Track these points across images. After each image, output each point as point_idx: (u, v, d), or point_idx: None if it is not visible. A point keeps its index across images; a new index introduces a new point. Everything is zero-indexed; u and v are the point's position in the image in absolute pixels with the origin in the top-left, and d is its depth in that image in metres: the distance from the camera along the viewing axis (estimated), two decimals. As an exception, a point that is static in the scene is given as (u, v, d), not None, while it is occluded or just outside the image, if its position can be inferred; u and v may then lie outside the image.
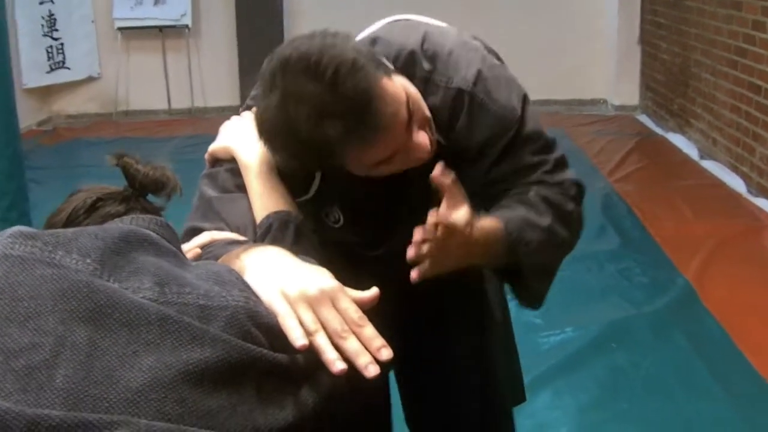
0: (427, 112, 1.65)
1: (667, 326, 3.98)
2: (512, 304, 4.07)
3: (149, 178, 1.41)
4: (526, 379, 3.41)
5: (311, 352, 1.19)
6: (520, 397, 2.34)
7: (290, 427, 1.12)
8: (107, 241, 1.13)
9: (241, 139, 1.75)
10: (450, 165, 1.63)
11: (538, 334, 3.94)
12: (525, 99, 1.79)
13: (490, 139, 1.75)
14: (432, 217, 1.51)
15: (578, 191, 1.85)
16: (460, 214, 1.55)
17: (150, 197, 1.43)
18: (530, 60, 8.31)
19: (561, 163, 1.85)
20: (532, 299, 1.93)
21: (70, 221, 1.35)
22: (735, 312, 4.09)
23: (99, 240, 1.13)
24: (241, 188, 1.71)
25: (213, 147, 1.80)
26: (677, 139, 7.33)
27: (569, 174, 1.85)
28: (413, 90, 1.62)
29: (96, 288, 1.05)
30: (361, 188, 1.77)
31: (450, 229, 1.53)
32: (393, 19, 1.84)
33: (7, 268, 1.05)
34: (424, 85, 1.71)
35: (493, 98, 1.74)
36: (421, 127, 1.61)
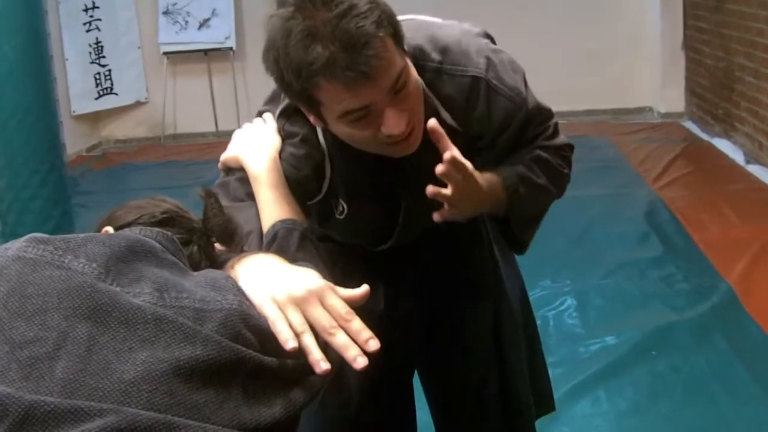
0: (419, 104, 1.67)
1: (708, 332, 3.94)
2: (551, 315, 4.13)
3: (220, 226, 1.49)
4: (566, 387, 3.46)
5: (302, 355, 1.25)
6: (548, 407, 2.34)
7: (279, 424, 1.18)
8: (114, 249, 1.22)
9: (251, 149, 1.79)
10: (464, 150, 1.72)
11: (580, 343, 3.94)
12: (524, 78, 1.87)
13: (504, 121, 1.83)
14: (447, 155, 1.63)
15: (571, 152, 2.01)
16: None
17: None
18: (575, 71, 8.31)
19: (557, 129, 1.98)
20: (517, 245, 2.07)
21: (133, 221, 1.42)
22: (778, 316, 4.04)
23: (106, 247, 1.22)
24: (251, 196, 1.75)
25: (225, 156, 1.84)
26: (723, 144, 7.26)
27: (563, 138, 1.99)
28: (414, 73, 1.65)
29: (98, 289, 1.14)
30: (367, 178, 1.84)
31: (464, 168, 1.66)
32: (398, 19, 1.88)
33: (19, 268, 1.16)
34: (436, 76, 1.75)
35: (504, 82, 1.81)
36: (403, 108, 1.61)
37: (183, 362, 1.10)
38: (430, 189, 1.64)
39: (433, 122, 1.64)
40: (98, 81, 8.82)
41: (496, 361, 2.17)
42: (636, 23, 8.71)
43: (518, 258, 2.30)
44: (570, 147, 2.00)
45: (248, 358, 1.17)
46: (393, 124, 1.60)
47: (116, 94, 8.99)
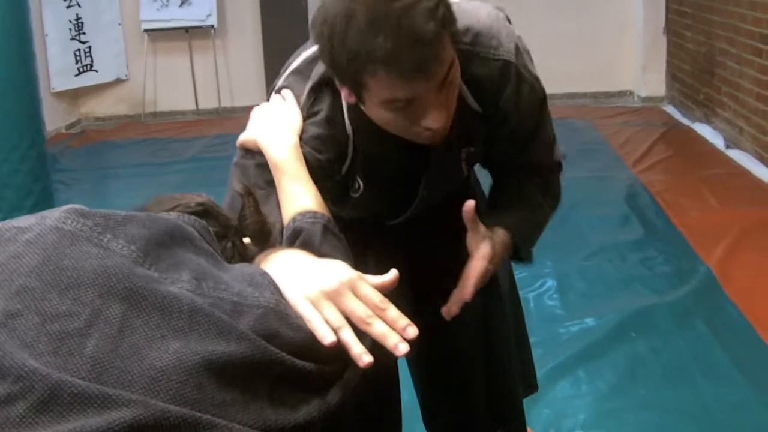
0: (456, 95, 1.68)
1: (688, 315, 3.96)
2: (531, 296, 4.14)
3: (256, 226, 1.47)
4: (546, 368, 3.47)
5: (335, 362, 1.23)
6: (531, 387, 2.36)
7: (298, 427, 1.16)
8: (153, 232, 1.19)
9: (271, 134, 1.75)
10: (484, 133, 1.79)
11: (560, 324, 3.95)
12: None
13: (528, 108, 1.86)
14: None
15: (561, 169, 2.06)
16: (485, 248, 1.80)
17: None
18: (557, 54, 8.30)
19: (556, 141, 2.02)
20: (522, 261, 2.09)
21: (170, 209, 1.39)
22: (757, 300, 4.06)
23: (146, 230, 1.19)
24: (271, 184, 1.72)
25: (243, 138, 1.80)
26: (703, 129, 7.28)
27: (559, 153, 2.03)
28: (457, 65, 1.65)
29: (136, 273, 1.11)
30: (389, 159, 1.84)
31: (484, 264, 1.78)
32: None
33: (56, 238, 1.13)
34: (467, 58, 1.74)
35: (529, 70, 1.84)
36: (444, 102, 1.63)
37: (215, 357, 1.07)
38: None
39: (468, 206, 1.74)
40: (78, 58, 8.75)
41: (484, 341, 2.18)
42: (618, 7, 8.72)
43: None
44: (560, 166, 2.06)
45: (279, 360, 1.14)
46: (435, 119, 1.61)
47: (96, 71, 8.93)
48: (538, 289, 4.29)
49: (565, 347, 3.71)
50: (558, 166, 2.02)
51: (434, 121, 1.61)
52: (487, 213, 1.93)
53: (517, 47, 1.81)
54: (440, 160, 1.85)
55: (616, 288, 4.34)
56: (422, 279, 2.09)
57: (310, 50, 1.84)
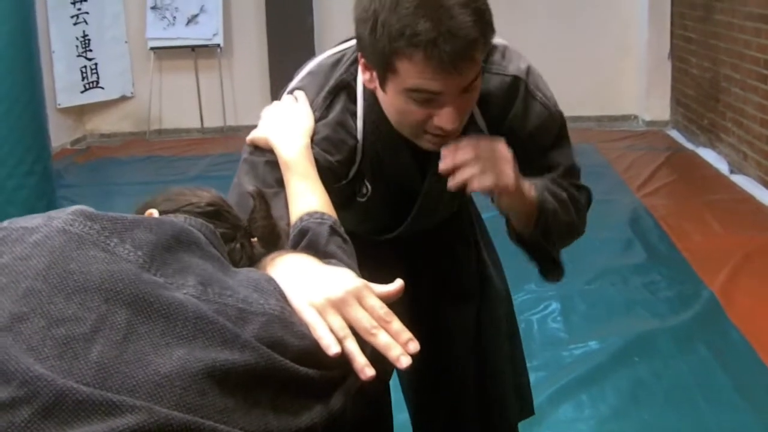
0: (472, 106, 1.71)
1: (690, 339, 3.96)
2: (535, 319, 4.14)
3: (266, 229, 1.47)
4: (549, 391, 3.47)
5: (337, 368, 1.23)
6: (527, 411, 2.34)
7: (307, 430, 1.16)
8: (160, 237, 1.19)
9: (282, 133, 1.76)
10: None
11: (563, 347, 3.95)
12: (556, 101, 1.91)
13: (539, 128, 1.85)
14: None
15: (588, 198, 2.00)
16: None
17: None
18: (561, 77, 8.23)
19: (578, 170, 1.98)
20: (550, 267, 2.00)
21: (178, 208, 1.39)
22: (760, 325, 4.06)
23: (153, 234, 1.19)
24: (280, 183, 1.73)
25: (254, 135, 1.80)
26: (707, 154, 7.29)
27: (582, 182, 1.99)
28: (481, 78, 1.68)
29: (142, 279, 1.11)
30: (395, 165, 1.85)
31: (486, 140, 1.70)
32: None
33: (64, 241, 1.12)
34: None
35: (542, 90, 1.85)
36: (461, 107, 1.64)
37: (219, 364, 1.08)
38: (442, 167, 1.66)
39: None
40: (84, 74, 8.78)
41: (477, 362, 2.18)
42: (623, 31, 8.74)
43: (503, 261, 2.31)
44: (588, 191, 1.99)
45: (283, 368, 1.14)
46: (448, 119, 1.62)
47: (102, 88, 8.95)
48: (541, 312, 4.29)
49: (567, 370, 3.70)
50: (585, 191, 1.98)
51: (447, 122, 1.62)
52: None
53: (529, 68, 1.84)
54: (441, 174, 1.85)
55: (619, 312, 4.34)
56: (418, 295, 2.09)
57: (329, 53, 1.88)
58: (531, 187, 1.79)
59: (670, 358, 3.79)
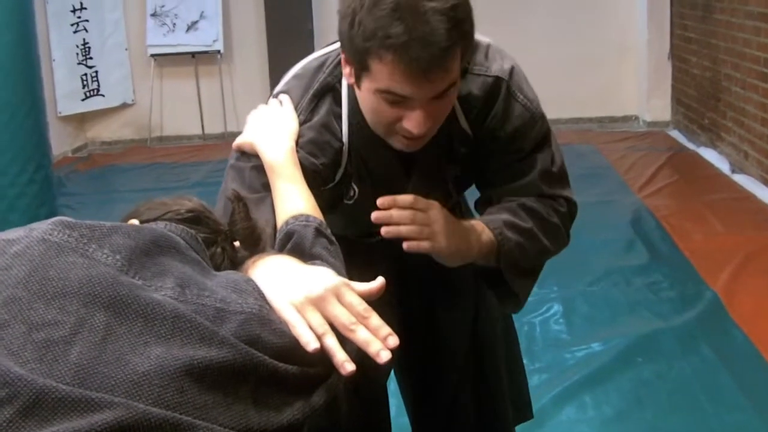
0: (447, 111, 1.71)
1: (694, 339, 3.95)
2: (537, 321, 4.13)
3: (246, 230, 1.49)
4: (552, 393, 3.46)
5: (318, 365, 1.24)
6: (525, 414, 2.34)
7: (282, 429, 1.17)
8: (138, 242, 1.22)
9: (267, 136, 1.76)
10: (472, 158, 1.77)
11: (565, 349, 3.94)
12: (540, 103, 1.89)
13: (518, 130, 1.84)
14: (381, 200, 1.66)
15: (569, 209, 1.95)
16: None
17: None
18: (562, 79, 8.33)
19: (562, 177, 1.94)
20: (512, 303, 1.99)
21: (159, 217, 1.41)
22: (763, 325, 4.05)
23: (131, 239, 1.22)
24: (266, 187, 1.73)
25: (240, 141, 1.81)
26: (709, 154, 7.30)
27: (566, 191, 1.95)
28: (458, 83, 1.68)
29: (120, 281, 1.14)
30: (380, 165, 1.85)
31: (423, 200, 1.69)
32: None
33: (43, 250, 1.16)
34: (461, 74, 1.74)
35: (524, 92, 1.84)
36: (431, 113, 1.64)
37: (197, 362, 1.10)
38: (375, 215, 1.67)
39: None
40: (85, 82, 8.79)
41: (473, 363, 2.18)
42: (623, 32, 8.75)
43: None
44: (569, 202, 1.95)
45: (262, 364, 1.16)
46: (415, 124, 1.63)
47: (103, 95, 8.96)
48: (543, 314, 4.28)
49: (570, 372, 3.70)
50: (566, 201, 1.94)
51: (415, 126, 1.63)
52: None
53: (512, 69, 1.83)
54: (424, 176, 1.86)
55: (622, 313, 4.33)
56: (410, 297, 2.09)
57: (314, 56, 1.88)
58: (482, 232, 1.80)
59: (674, 359, 3.78)
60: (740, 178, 6.55)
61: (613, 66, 8.83)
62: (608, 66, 8.82)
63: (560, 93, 8.22)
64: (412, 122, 1.63)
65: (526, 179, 1.88)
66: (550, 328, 4.18)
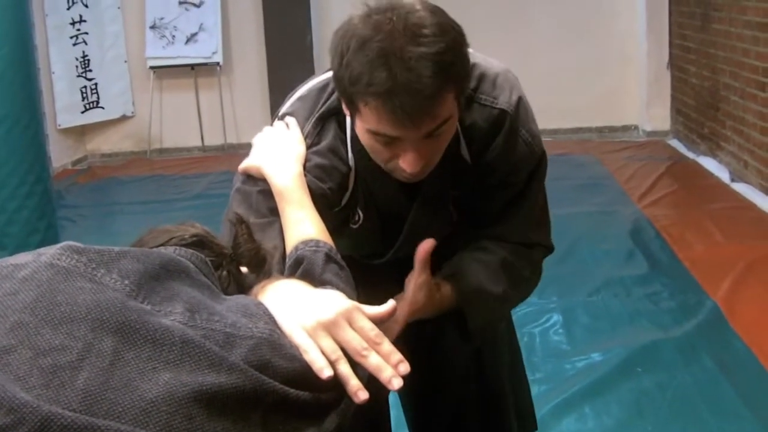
0: (444, 145, 1.69)
1: (694, 349, 3.94)
2: (537, 331, 4.12)
3: (251, 252, 1.46)
4: (552, 403, 3.45)
5: (331, 390, 1.23)
6: (529, 425, 2.33)
7: None
8: (147, 266, 1.21)
9: (275, 160, 1.75)
10: (472, 185, 1.76)
11: (565, 359, 3.93)
12: (542, 140, 1.89)
13: (518, 164, 1.83)
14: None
15: (543, 255, 1.98)
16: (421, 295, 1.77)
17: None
18: (561, 88, 8.34)
19: (546, 221, 1.96)
20: (470, 340, 1.99)
21: (163, 244, 1.39)
22: (764, 334, 4.03)
23: (140, 264, 1.20)
24: (274, 212, 1.72)
25: (246, 164, 1.80)
26: (708, 163, 7.29)
27: (547, 238, 1.98)
28: (455, 119, 1.66)
29: (128, 306, 1.13)
30: (385, 191, 1.85)
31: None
32: None
33: (51, 275, 1.14)
34: (467, 103, 1.74)
35: (527, 126, 1.82)
36: (426, 151, 1.64)
37: (206, 388, 1.08)
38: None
39: (425, 244, 1.72)
40: (84, 94, 8.79)
41: (476, 377, 2.17)
42: (622, 42, 8.75)
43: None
44: (545, 249, 1.98)
45: (272, 390, 1.14)
46: (409, 163, 1.63)
47: (102, 107, 8.96)
48: (543, 324, 4.28)
49: (570, 382, 3.69)
50: (540, 249, 1.96)
51: (409, 165, 1.63)
52: (448, 264, 1.90)
53: (519, 101, 1.81)
54: (427, 201, 1.85)
55: (622, 323, 4.32)
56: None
57: (318, 79, 1.87)
58: (441, 286, 1.84)
59: (674, 369, 3.77)
60: (740, 187, 6.55)
61: (612, 76, 8.83)
62: (608, 76, 8.82)
63: (560, 103, 8.23)
64: (406, 162, 1.63)
65: (515, 221, 1.89)
66: (550, 339, 4.17)
